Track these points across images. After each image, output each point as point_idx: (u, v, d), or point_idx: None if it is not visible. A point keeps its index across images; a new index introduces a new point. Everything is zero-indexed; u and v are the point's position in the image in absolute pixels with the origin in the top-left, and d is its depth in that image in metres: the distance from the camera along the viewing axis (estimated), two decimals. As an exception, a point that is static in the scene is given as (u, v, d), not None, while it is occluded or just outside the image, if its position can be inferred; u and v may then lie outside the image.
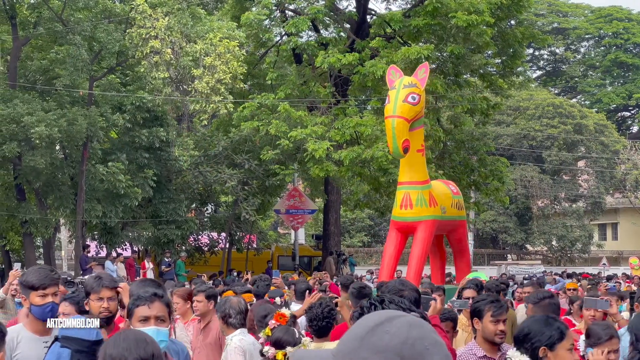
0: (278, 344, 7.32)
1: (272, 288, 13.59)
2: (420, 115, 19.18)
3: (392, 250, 19.93)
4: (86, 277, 11.30)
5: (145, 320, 5.62)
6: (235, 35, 30.03)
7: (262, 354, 7.59)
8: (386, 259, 19.91)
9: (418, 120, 18.98)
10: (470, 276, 18.25)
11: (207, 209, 42.16)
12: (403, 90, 18.41)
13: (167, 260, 33.89)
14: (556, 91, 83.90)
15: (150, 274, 30.36)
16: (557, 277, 33.33)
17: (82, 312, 7.17)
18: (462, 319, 10.58)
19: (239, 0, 37.57)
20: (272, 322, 7.85)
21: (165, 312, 5.77)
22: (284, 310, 8.20)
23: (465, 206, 37.67)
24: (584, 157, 72.70)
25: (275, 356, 7.25)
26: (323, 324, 7.98)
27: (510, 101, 60.69)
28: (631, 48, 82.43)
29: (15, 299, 12.90)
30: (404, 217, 19.71)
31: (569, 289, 16.12)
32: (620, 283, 29.38)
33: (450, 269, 25.97)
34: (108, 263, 30.23)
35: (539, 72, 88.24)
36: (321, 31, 37.50)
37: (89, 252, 32.34)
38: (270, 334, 7.68)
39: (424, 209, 19.54)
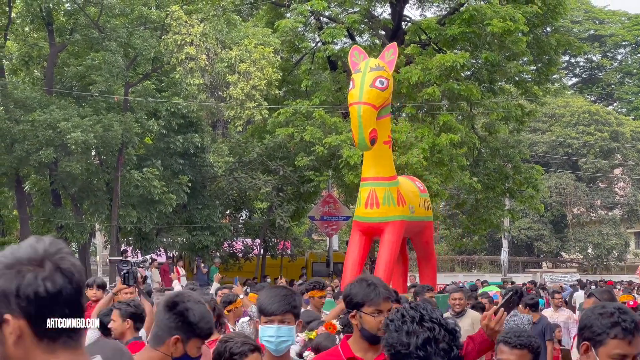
0: (318, 350, 7.32)
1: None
2: (388, 102, 17.47)
3: (356, 255, 17.91)
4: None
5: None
6: (270, 42, 30.08)
7: (299, 356, 7.59)
8: (349, 266, 17.80)
9: (385, 107, 17.25)
10: (486, 289, 17.81)
11: (241, 215, 42.20)
12: (370, 74, 16.71)
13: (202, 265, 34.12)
14: (592, 98, 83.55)
15: (183, 281, 30.42)
16: (564, 285, 33.17)
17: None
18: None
19: (273, 6, 37.69)
20: (322, 329, 7.86)
21: None
22: (335, 321, 8.21)
23: (499, 214, 37.81)
24: (620, 164, 72.30)
25: None
26: None
27: (546, 108, 60.33)
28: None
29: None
30: (370, 217, 17.86)
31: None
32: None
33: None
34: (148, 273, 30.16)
35: (575, 80, 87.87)
36: (356, 38, 37.47)
37: (126, 257, 32.40)
38: (313, 338, 7.70)
39: (392, 209, 17.72)
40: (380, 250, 18.05)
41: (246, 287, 22.52)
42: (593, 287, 34.45)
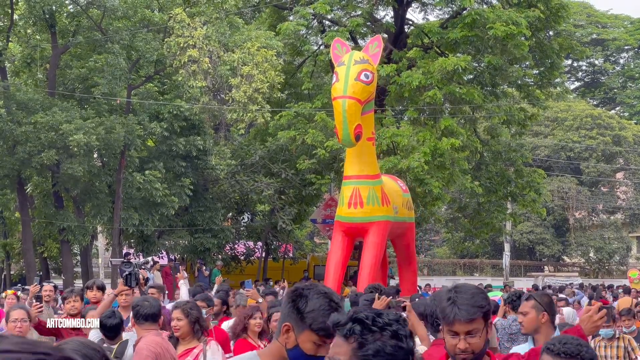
0: None
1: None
2: (372, 97, 16.80)
3: (339, 257, 17.25)
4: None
5: None
6: (272, 45, 30.07)
7: None
8: (332, 268, 17.19)
9: (369, 103, 16.58)
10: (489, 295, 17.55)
11: (243, 218, 42.14)
12: (354, 67, 15.99)
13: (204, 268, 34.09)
14: (595, 102, 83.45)
15: (185, 283, 30.29)
16: (575, 290, 33.02)
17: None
18: None
19: (276, 9, 37.68)
20: None
21: None
22: None
23: (501, 217, 37.77)
24: (622, 168, 72.22)
25: None
26: None
27: (548, 112, 60.31)
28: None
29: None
30: (353, 217, 17.28)
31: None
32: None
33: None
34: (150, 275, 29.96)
35: (577, 83, 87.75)
36: (359, 41, 37.46)
37: (129, 260, 32.30)
38: None
39: (377, 208, 17.12)
40: (364, 253, 17.34)
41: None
42: (577, 290, 34.31)
